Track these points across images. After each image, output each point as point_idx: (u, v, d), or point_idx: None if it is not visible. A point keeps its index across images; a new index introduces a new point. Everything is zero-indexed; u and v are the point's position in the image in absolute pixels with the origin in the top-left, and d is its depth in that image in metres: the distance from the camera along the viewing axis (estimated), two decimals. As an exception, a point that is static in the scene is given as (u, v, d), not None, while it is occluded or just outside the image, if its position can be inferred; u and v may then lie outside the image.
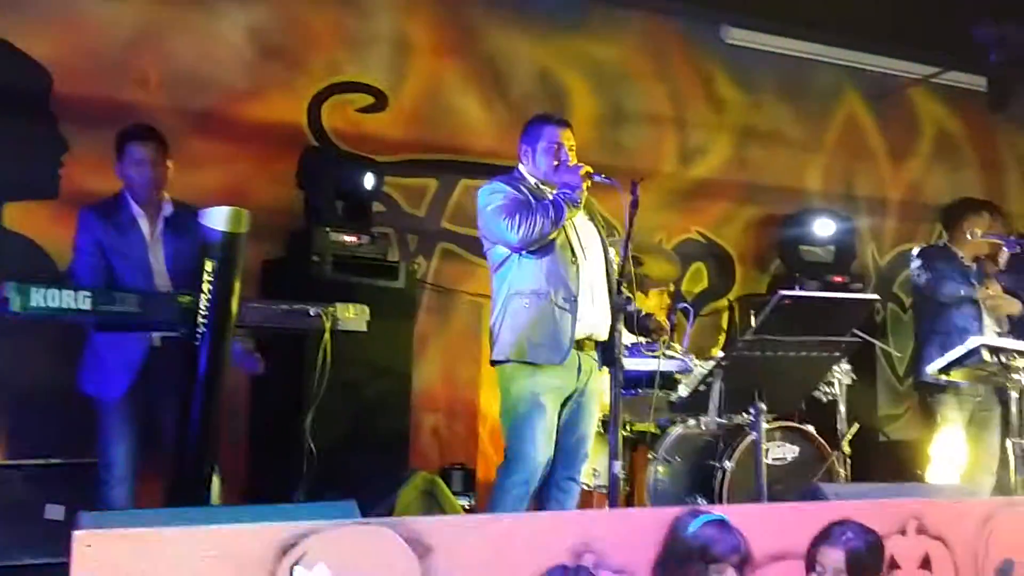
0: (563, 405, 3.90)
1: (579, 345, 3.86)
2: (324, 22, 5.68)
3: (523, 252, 3.87)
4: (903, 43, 6.82)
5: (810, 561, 2.83)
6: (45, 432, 4.61)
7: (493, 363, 3.97)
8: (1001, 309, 5.04)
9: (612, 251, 4.01)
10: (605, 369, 3.89)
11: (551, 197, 3.88)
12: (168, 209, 4.07)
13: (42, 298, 3.05)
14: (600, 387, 3.98)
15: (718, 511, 2.69)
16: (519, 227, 3.78)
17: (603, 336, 3.90)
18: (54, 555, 3.84)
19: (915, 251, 5.36)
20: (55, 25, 4.96)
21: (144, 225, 4.01)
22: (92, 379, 3.92)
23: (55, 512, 4.33)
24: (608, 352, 3.84)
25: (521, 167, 4.09)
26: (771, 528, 2.82)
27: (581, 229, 3.97)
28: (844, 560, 2.81)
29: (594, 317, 3.88)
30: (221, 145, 5.32)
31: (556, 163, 3.97)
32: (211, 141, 5.30)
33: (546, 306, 3.81)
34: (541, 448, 3.79)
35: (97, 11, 5.07)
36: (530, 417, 3.79)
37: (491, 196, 3.93)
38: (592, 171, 3.86)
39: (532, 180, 4.03)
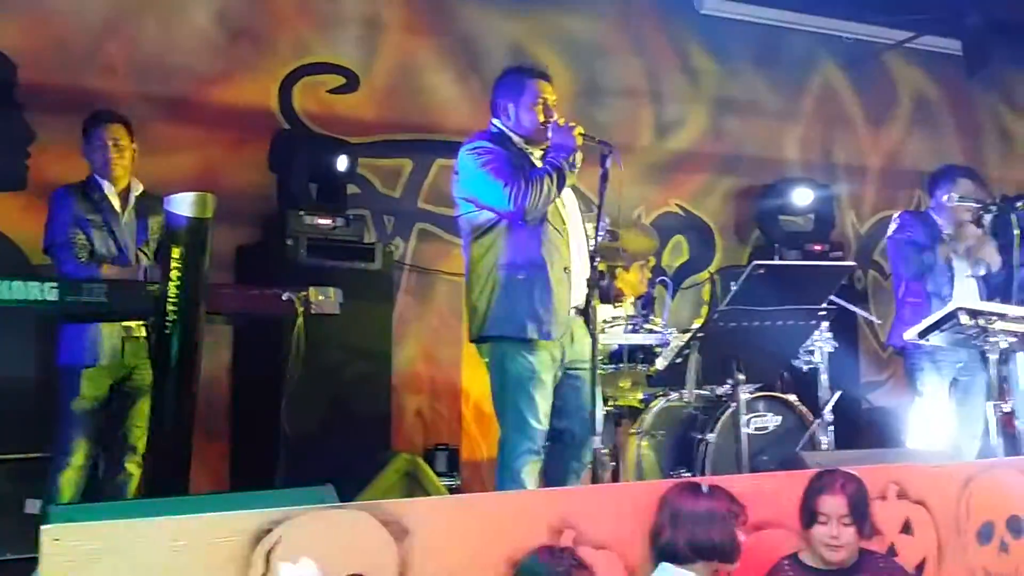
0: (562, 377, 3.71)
1: (573, 315, 3.69)
2: (292, 2, 5.61)
3: (519, 221, 3.60)
4: (877, 8, 6.78)
5: (808, 513, 2.81)
6: (25, 427, 4.57)
7: (482, 339, 3.70)
8: (981, 253, 4.98)
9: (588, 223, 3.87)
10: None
11: (536, 158, 3.68)
12: (138, 189, 4.17)
13: (7, 290, 3.02)
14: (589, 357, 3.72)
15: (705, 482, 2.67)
16: (520, 194, 3.50)
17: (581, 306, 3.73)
18: (35, 550, 3.80)
19: (894, 216, 5.34)
20: (19, 14, 4.89)
21: (116, 202, 4.09)
22: (69, 348, 3.94)
23: (35, 507, 4.30)
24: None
25: (498, 123, 3.79)
26: (755, 498, 2.82)
27: (564, 198, 3.77)
28: (847, 505, 2.81)
29: (582, 287, 3.69)
30: (192, 130, 5.26)
31: (543, 121, 3.69)
32: (181, 127, 5.24)
33: (544, 279, 3.59)
34: (542, 423, 3.61)
35: (61, -1, 5.00)
36: (532, 393, 3.58)
37: (480, 156, 3.62)
38: (585, 132, 3.64)
39: (515, 138, 3.77)
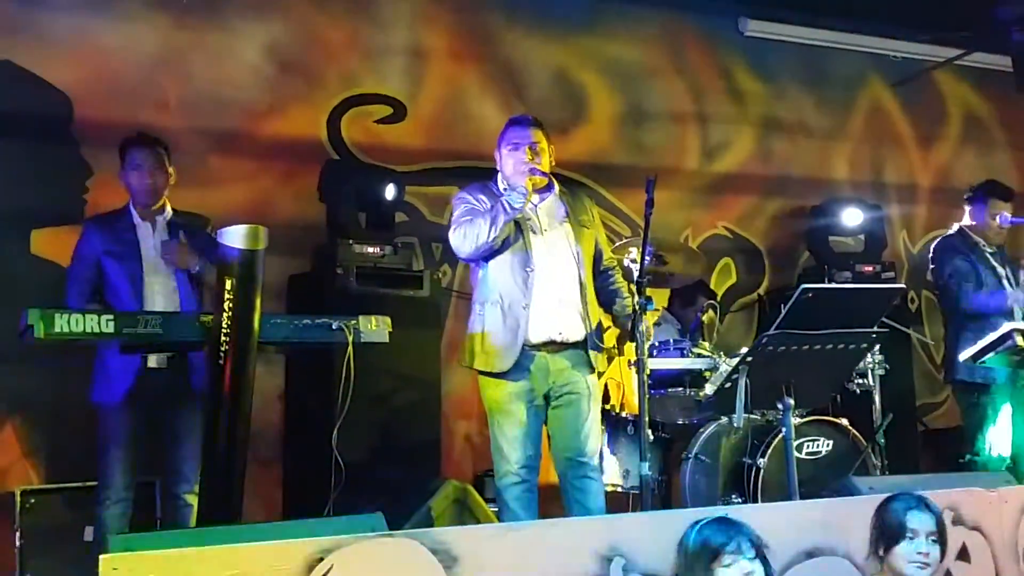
0: (546, 406, 3.86)
1: (544, 349, 3.81)
2: (340, 35, 5.71)
3: (473, 262, 3.90)
4: (925, 27, 6.72)
5: (891, 532, 2.74)
6: (83, 455, 4.66)
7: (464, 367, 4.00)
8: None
9: (608, 250, 4.00)
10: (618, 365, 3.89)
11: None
12: (168, 214, 4.14)
13: (65, 323, 3.10)
14: (591, 381, 3.93)
15: (742, 512, 2.65)
16: (462, 238, 3.80)
17: (575, 337, 3.84)
18: (94, 576, 3.88)
19: (931, 248, 5.26)
20: (74, 51, 5.02)
21: (142, 231, 4.06)
22: (97, 385, 3.95)
23: (93, 534, 4.38)
24: (583, 353, 3.84)
25: (499, 174, 4.03)
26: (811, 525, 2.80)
27: (548, 232, 3.90)
28: (935, 524, 2.75)
29: (559, 321, 3.82)
30: (243, 163, 5.36)
31: (515, 165, 3.87)
32: (233, 159, 5.34)
33: (496, 314, 3.80)
34: (517, 450, 3.78)
35: (115, 36, 5.13)
36: (501, 423, 3.83)
37: (454, 207, 3.96)
38: (536, 166, 3.80)
39: (501, 185, 3.97)
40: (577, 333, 3.85)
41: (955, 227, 5.20)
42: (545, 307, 3.81)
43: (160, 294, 3.96)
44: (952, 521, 2.98)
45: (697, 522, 2.61)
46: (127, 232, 4.03)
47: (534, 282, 3.80)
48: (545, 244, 3.88)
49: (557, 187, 4.02)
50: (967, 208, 5.17)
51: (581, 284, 3.88)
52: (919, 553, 2.72)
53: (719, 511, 2.69)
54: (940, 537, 2.76)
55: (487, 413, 3.92)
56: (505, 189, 3.90)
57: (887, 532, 2.76)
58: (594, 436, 3.91)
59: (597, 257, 4.03)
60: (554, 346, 3.83)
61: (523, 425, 3.80)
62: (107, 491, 3.86)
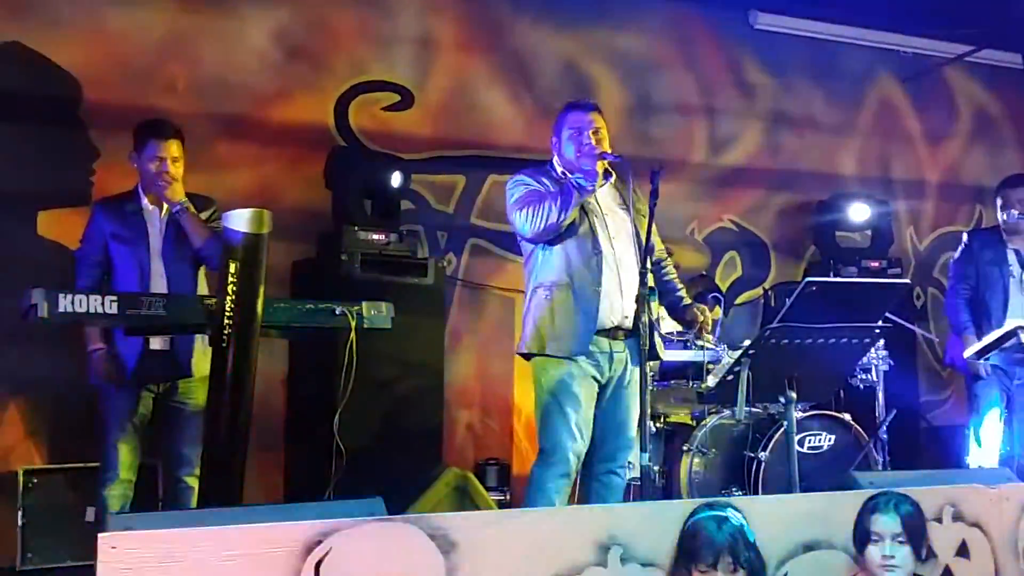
0: (598, 396, 3.82)
1: (611, 334, 3.78)
2: (348, 22, 5.70)
3: (539, 244, 3.82)
4: (936, 22, 6.70)
5: (862, 534, 2.76)
6: (85, 436, 4.68)
7: (520, 355, 3.93)
8: None
9: (659, 241, 3.94)
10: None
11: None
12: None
13: (69, 304, 3.10)
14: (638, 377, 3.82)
15: (741, 503, 2.64)
16: (528, 219, 3.74)
17: (631, 324, 3.78)
18: (95, 557, 3.89)
19: (964, 235, 5.25)
20: (83, 34, 5.03)
21: (150, 216, 4.01)
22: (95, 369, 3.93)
23: (95, 515, 4.40)
24: (635, 343, 3.73)
25: (553, 159, 4.01)
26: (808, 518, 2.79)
27: (610, 216, 3.87)
28: (901, 525, 2.75)
29: (624, 307, 3.78)
30: (250, 148, 5.37)
31: (580, 149, 3.84)
32: (240, 144, 5.35)
33: (565, 298, 3.75)
34: (577, 438, 3.72)
35: (124, 19, 5.13)
36: (563, 407, 3.72)
37: (512, 189, 3.88)
38: (607, 150, 3.77)
39: (559, 170, 3.94)
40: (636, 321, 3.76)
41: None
42: (611, 292, 3.77)
43: (163, 280, 3.92)
44: (952, 517, 2.97)
45: (695, 513, 2.61)
46: (135, 216, 3.99)
47: (603, 265, 3.77)
48: (607, 229, 3.85)
49: (613, 175, 3.99)
50: (997, 204, 5.13)
51: (642, 271, 3.74)
52: (883, 556, 2.73)
53: (719, 502, 2.68)
54: (911, 536, 2.76)
55: (542, 399, 3.79)
56: (564, 173, 3.89)
57: (856, 535, 2.77)
58: (632, 432, 3.87)
59: (651, 246, 3.93)
60: (620, 332, 3.80)
61: (584, 410, 3.74)
62: (108, 473, 3.85)
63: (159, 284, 3.92)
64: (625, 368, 3.82)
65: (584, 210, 3.81)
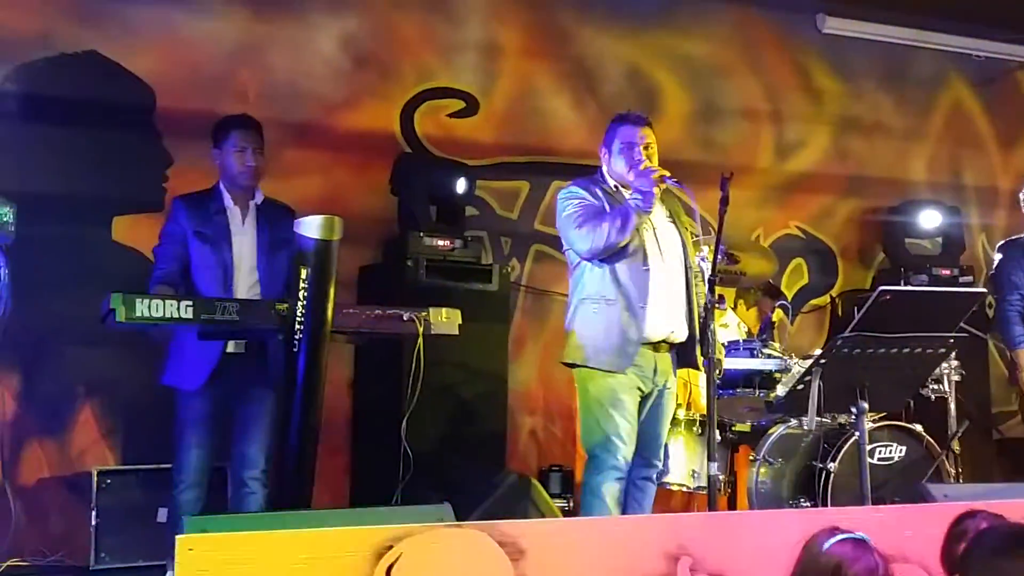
0: (640, 405, 3.87)
1: (655, 347, 3.83)
2: (415, 29, 5.75)
3: (593, 260, 3.85)
4: (1009, 25, 6.55)
5: (951, 559, 2.67)
6: (158, 437, 4.76)
7: (565, 364, 3.96)
8: None
9: (694, 252, 3.94)
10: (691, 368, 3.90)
11: (625, 202, 3.83)
12: (259, 198, 4.05)
13: (146, 308, 3.17)
14: (675, 388, 3.99)
15: (844, 524, 2.50)
16: (588, 238, 3.78)
17: (680, 338, 3.86)
18: (165, 558, 3.96)
19: (996, 248, 5.15)
20: (157, 43, 5.13)
21: (233, 215, 3.98)
22: (173, 369, 3.89)
23: (167, 516, 4.48)
24: (687, 354, 3.86)
25: (603, 168, 4.03)
26: (883, 534, 2.74)
27: (660, 231, 3.91)
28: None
29: (670, 321, 3.84)
30: (318, 154, 5.43)
31: (630, 165, 3.88)
32: (308, 151, 5.41)
33: (613, 313, 3.79)
34: (627, 442, 3.77)
35: (197, 28, 5.23)
36: (612, 414, 3.77)
37: (566, 202, 3.90)
38: (666, 174, 3.77)
39: (611, 182, 3.97)
40: (683, 332, 3.87)
41: None
42: (659, 306, 3.81)
43: (244, 282, 3.89)
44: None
45: (835, 532, 2.46)
46: (219, 215, 3.94)
47: (650, 281, 3.80)
48: (658, 244, 3.89)
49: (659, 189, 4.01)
50: None
51: (688, 283, 3.89)
52: None
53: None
54: None
55: (590, 406, 3.84)
56: (617, 186, 3.93)
57: (949, 557, 2.63)
58: (664, 441, 3.99)
59: (716, 257, 3.98)
60: (666, 345, 3.87)
61: (630, 417, 3.80)
62: (182, 475, 3.85)
63: (245, 283, 3.89)
64: (666, 380, 3.89)
65: (636, 227, 3.82)
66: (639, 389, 3.83)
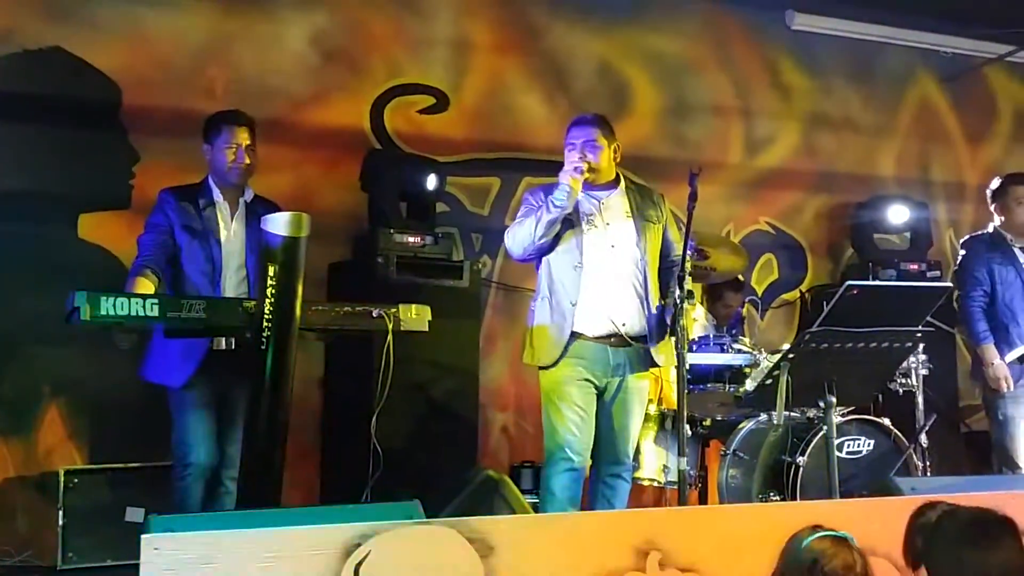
0: (598, 401, 3.88)
1: (605, 341, 3.84)
2: (384, 25, 5.72)
3: (526, 262, 3.98)
4: (976, 22, 6.61)
5: (914, 551, 2.67)
6: (125, 437, 4.74)
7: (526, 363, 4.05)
8: None
9: (655, 246, 3.96)
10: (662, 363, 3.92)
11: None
12: (249, 195, 4.04)
13: (111, 306, 3.14)
14: (644, 384, 4.00)
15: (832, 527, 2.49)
16: (511, 239, 3.91)
17: (636, 332, 3.86)
18: (135, 556, 3.92)
19: (960, 243, 5.19)
20: (124, 39, 5.08)
21: (222, 210, 3.95)
22: (155, 366, 3.82)
23: (135, 515, 4.45)
24: (636, 350, 3.87)
25: None
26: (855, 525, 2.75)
27: (613, 227, 3.91)
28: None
29: (619, 315, 3.85)
30: (287, 151, 5.38)
31: (568, 163, 3.89)
32: (277, 147, 5.33)
33: (545, 310, 3.88)
34: (576, 434, 3.79)
35: (164, 24, 5.17)
36: (559, 406, 3.82)
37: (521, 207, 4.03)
38: (578, 165, 3.77)
39: None
40: (638, 328, 3.87)
41: (989, 227, 5.10)
42: (600, 302, 3.83)
43: (232, 279, 3.86)
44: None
45: (815, 529, 2.46)
46: (208, 209, 3.91)
47: (583, 278, 3.82)
48: (605, 239, 3.89)
49: (624, 183, 4.01)
50: (992, 207, 5.09)
51: (645, 279, 3.89)
52: None
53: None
54: None
55: (543, 402, 3.93)
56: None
57: (911, 550, 2.63)
58: (634, 437, 3.97)
59: (664, 251, 4.02)
60: (617, 339, 3.86)
61: (578, 408, 3.82)
62: (187, 468, 3.75)
63: (234, 279, 3.86)
64: (624, 374, 3.89)
65: (572, 222, 3.85)
66: (588, 381, 3.84)
